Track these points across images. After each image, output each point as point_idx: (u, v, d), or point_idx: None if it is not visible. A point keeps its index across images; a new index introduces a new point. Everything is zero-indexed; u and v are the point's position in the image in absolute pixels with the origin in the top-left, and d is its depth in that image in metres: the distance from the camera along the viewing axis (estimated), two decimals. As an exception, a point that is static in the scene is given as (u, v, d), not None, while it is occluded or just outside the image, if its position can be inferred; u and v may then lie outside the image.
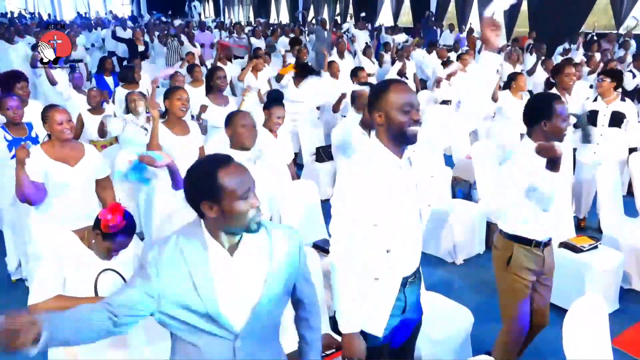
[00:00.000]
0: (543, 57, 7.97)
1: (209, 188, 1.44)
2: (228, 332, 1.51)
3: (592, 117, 4.42)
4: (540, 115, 2.39)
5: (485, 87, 1.92)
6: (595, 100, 4.49)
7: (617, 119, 4.41)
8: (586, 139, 4.40)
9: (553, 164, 2.23)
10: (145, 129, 4.06)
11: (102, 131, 4.29)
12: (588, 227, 4.73)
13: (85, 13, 24.87)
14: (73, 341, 1.45)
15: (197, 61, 7.56)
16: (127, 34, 10.58)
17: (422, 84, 8.67)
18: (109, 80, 6.43)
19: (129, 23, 16.57)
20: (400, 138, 1.82)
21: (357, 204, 1.80)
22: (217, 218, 1.46)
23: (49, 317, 1.35)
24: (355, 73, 5.56)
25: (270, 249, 1.56)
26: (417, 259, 1.98)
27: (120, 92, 5.31)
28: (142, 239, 3.23)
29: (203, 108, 4.53)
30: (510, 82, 5.28)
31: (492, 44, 1.82)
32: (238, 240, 1.53)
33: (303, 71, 6.21)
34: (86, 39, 12.06)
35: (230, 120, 2.90)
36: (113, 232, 2.15)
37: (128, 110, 4.28)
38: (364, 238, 1.83)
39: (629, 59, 8.46)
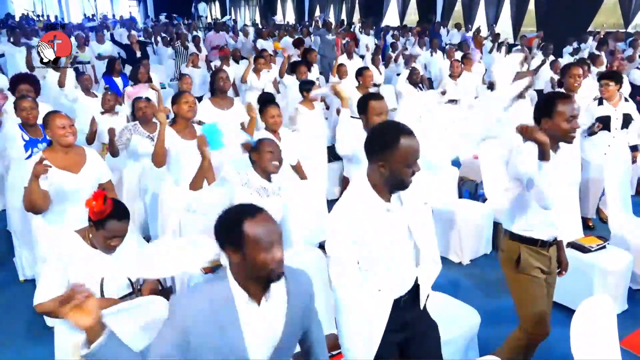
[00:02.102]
0: (546, 58, 7.95)
1: (234, 235, 1.49)
2: None
3: (606, 122, 4.40)
4: (542, 113, 2.37)
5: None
6: (601, 103, 4.46)
7: (626, 121, 4.42)
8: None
9: (542, 153, 2.22)
10: (152, 138, 4.06)
11: (113, 150, 4.12)
12: (594, 226, 4.70)
13: (93, 15, 25.01)
14: None
15: (202, 63, 7.59)
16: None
17: (429, 83, 8.67)
18: (118, 81, 6.47)
19: (139, 25, 16.63)
20: (397, 187, 1.82)
21: (347, 250, 1.80)
22: (240, 265, 1.51)
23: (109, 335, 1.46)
24: (362, 73, 5.53)
25: (287, 294, 1.62)
26: (411, 281, 1.95)
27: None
28: (148, 241, 3.25)
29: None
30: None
31: None
32: (264, 289, 1.56)
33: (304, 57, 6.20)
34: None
35: (259, 144, 2.91)
36: (102, 218, 2.20)
37: (134, 117, 4.27)
38: (355, 279, 1.83)
39: (638, 57, 8.40)
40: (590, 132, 4.44)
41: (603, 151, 4.42)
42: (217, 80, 4.48)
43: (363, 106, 3.01)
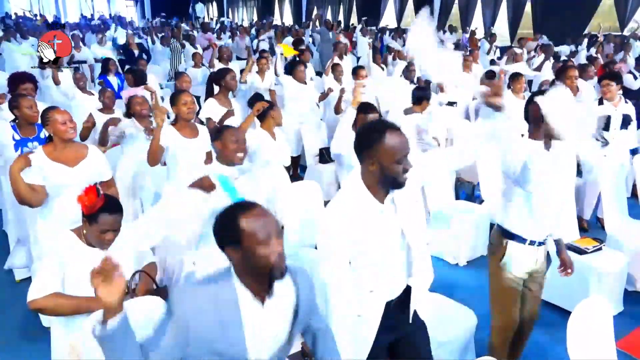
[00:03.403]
0: (546, 59, 7.96)
1: (231, 232, 1.48)
2: None
3: (606, 121, 4.41)
4: (540, 115, 2.36)
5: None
6: (601, 103, 4.48)
7: (625, 121, 4.44)
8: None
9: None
10: (147, 134, 4.07)
11: (103, 139, 4.19)
12: (589, 228, 4.72)
13: (91, 15, 24.96)
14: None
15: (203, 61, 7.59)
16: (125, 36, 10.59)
17: (426, 85, 8.67)
18: (113, 80, 6.47)
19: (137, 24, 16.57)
20: (391, 185, 1.81)
21: (339, 250, 1.80)
22: (241, 262, 1.50)
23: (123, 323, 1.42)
24: (356, 72, 5.59)
25: (296, 294, 1.61)
26: (403, 285, 1.95)
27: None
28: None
29: (230, 113, 4.52)
30: (513, 82, 5.30)
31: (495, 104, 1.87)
32: (268, 288, 1.55)
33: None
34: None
35: (220, 134, 2.79)
36: (94, 212, 2.21)
37: (129, 113, 4.27)
38: (346, 280, 1.83)
39: (631, 60, 8.44)
40: (605, 142, 4.41)
41: (603, 153, 4.42)
42: (228, 79, 4.53)
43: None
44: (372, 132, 1.81)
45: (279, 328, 1.58)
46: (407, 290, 1.97)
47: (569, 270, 2.60)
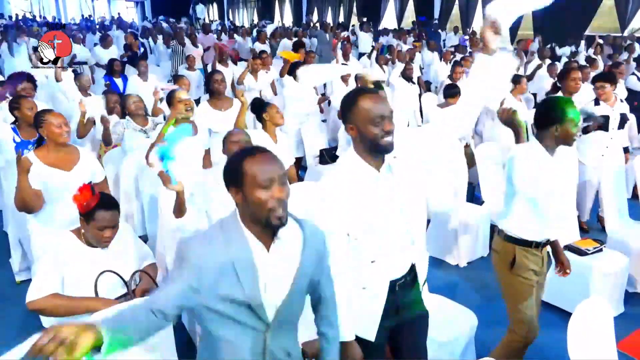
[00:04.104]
0: (542, 62, 7.97)
1: (235, 174, 1.49)
2: (262, 323, 1.55)
3: (604, 122, 4.40)
4: (553, 119, 2.36)
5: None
6: (597, 104, 4.47)
7: (622, 121, 4.43)
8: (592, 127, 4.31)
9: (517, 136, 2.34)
10: (144, 132, 4.07)
11: (107, 139, 4.21)
12: (589, 229, 4.72)
13: (90, 16, 24.98)
14: (135, 341, 1.44)
15: (199, 63, 7.59)
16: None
17: (427, 86, 8.69)
18: (119, 81, 6.47)
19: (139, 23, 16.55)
20: (374, 149, 1.81)
21: (336, 219, 1.80)
22: (242, 206, 1.51)
23: (106, 319, 1.36)
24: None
25: (303, 243, 1.59)
26: (407, 262, 1.94)
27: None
28: (145, 241, 3.25)
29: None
30: (513, 84, 5.29)
31: (488, 46, 1.81)
32: (273, 234, 1.54)
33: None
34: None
35: (224, 142, 2.86)
36: (90, 210, 2.23)
37: (124, 113, 4.27)
38: (347, 250, 1.82)
39: (633, 62, 8.44)
40: (585, 130, 4.39)
41: (600, 152, 4.41)
42: (212, 82, 4.49)
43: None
44: (347, 98, 1.85)
45: (284, 274, 1.55)
46: (413, 272, 1.96)
47: (568, 271, 2.61)
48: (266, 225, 1.49)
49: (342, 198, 1.79)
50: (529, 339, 2.52)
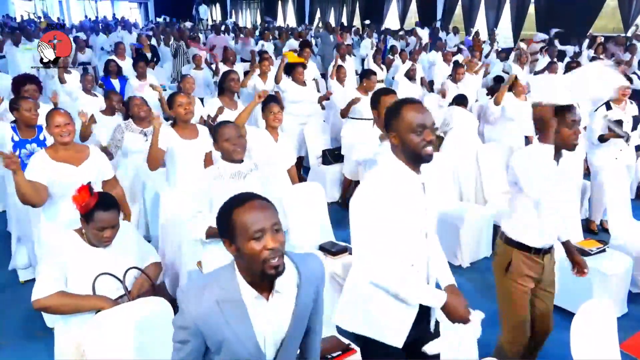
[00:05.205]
0: (553, 61, 7.95)
1: (226, 226, 1.47)
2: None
3: (619, 126, 4.41)
4: (548, 118, 2.34)
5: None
6: (609, 107, 4.46)
7: (635, 122, 4.46)
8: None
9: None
10: (145, 134, 4.07)
11: (85, 135, 4.19)
12: (598, 231, 4.71)
13: (96, 17, 25.03)
14: None
15: (203, 63, 7.59)
16: (132, 37, 10.58)
17: (430, 86, 8.68)
18: (116, 82, 6.48)
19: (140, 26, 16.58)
20: (415, 158, 1.84)
21: (384, 224, 1.78)
22: (238, 258, 1.49)
23: None
24: (368, 76, 5.37)
25: (298, 287, 1.57)
26: (428, 269, 1.98)
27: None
28: (149, 240, 3.25)
29: (220, 110, 4.56)
30: (514, 84, 5.30)
31: None
32: (270, 284, 1.52)
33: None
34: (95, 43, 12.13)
35: (215, 134, 2.80)
36: (89, 210, 2.24)
37: (127, 115, 4.28)
38: (392, 256, 1.82)
39: (635, 62, 8.42)
40: (601, 138, 4.41)
41: (614, 155, 4.41)
42: (229, 81, 4.61)
43: (376, 101, 3.14)
44: (392, 106, 1.91)
45: (283, 318, 1.55)
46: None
47: (585, 270, 2.57)
48: (262, 276, 1.47)
49: (387, 204, 1.78)
50: (515, 344, 2.50)
